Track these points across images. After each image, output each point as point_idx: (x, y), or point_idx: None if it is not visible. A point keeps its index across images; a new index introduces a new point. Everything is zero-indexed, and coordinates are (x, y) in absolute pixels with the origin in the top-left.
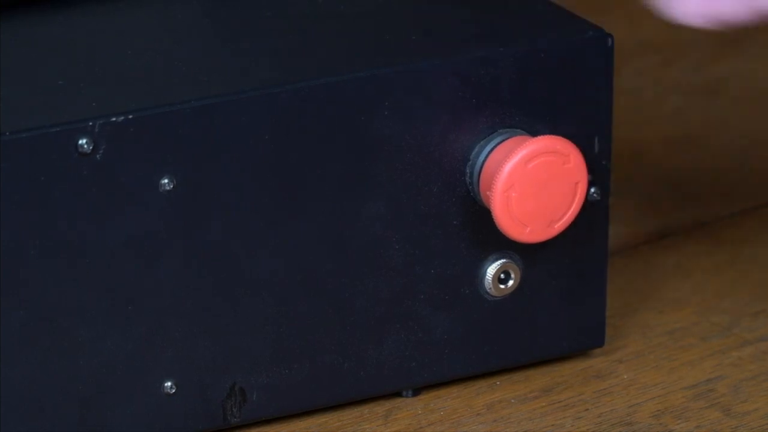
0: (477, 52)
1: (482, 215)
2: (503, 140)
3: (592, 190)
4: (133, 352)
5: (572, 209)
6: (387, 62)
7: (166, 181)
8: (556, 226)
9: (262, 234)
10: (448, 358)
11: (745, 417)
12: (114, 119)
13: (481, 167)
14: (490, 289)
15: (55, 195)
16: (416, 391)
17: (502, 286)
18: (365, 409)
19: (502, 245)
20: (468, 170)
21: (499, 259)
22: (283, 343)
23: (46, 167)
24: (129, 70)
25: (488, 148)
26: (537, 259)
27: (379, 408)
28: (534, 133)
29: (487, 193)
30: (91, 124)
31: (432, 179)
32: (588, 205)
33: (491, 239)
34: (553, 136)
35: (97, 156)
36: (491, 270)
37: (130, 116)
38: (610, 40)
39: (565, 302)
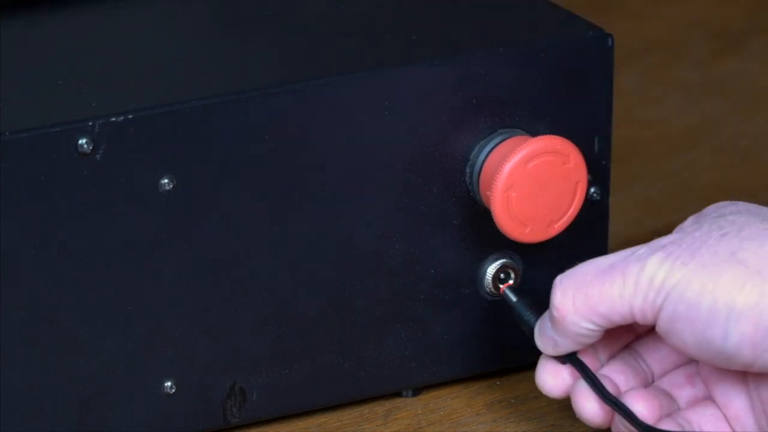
0: (477, 52)
1: (482, 215)
2: (503, 140)
3: (592, 190)
4: (133, 352)
5: (572, 209)
6: (387, 62)
7: (166, 181)
8: (556, 226)
9: (262, 234)
10: (448, 358)
11: None
12: (114, 119)
13: (481, 167)
14: (490, 289)
15: (55, 195)
16: (416, 391)
17: (502, 286)
18: (365, 409)
19: (502, 245)
20: (468, 170)
21: (499, 259)
22: (283, 343)
23: (46, 167)
24: (129, 70)
25: (488, 148)
26: (537, 259)
27: (379, 408)
28: (534, 133)
29: (487, 193)
30: (91, 124)
31: (432, 179)
32: (588, 205)
33: (491, 239)
34: (552, 136)
35: (97, 156)
36: (491, 270)
37: (130, 116)
38: (610, 40)
39: None
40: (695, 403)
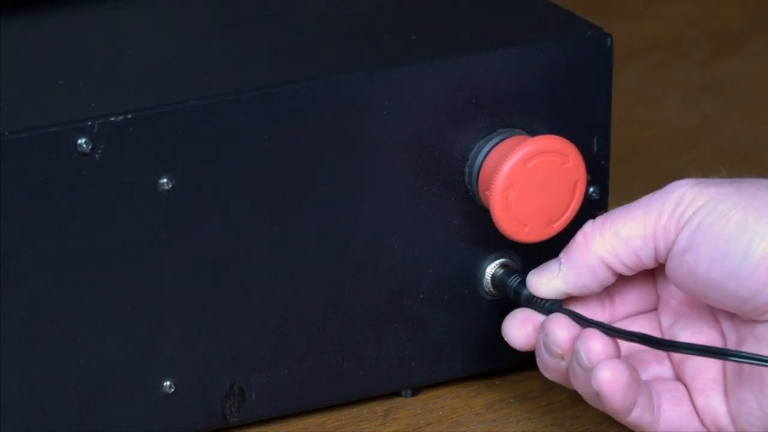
0: (477, 52)
1: (481, 215)
2: (502, 140)
3: (591, 189)
4: (132, 352)
5: (571, 209)
6: (387, 62)
7: (165, 180)
8: (555, 226)
9: (262, 234)
10: (448, 358)
11: None
12: (113, 119)
13: (480, 167)
14: (489, 288)
15: (54, 195)
16: (415, 391)
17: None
18: (364, 409)
19: (502, 245)
20: (467, 170)
21: (499, 258)
22: (282, 343)
23: (45, 167)
24: (129, 70)
25: (487, 148)
26: (536, 258)
27: (379, 408)
28: (533, 132)
29: (486, 192)
30: (90, 123)
31: (431, 179)
32: (587, 204)
33: (491, 239)
34: (552, 136)
35: (97, 156)
36: (490, 270)
37: (129, 116)
38: (609, 40)
39: None
40: (659, 379)
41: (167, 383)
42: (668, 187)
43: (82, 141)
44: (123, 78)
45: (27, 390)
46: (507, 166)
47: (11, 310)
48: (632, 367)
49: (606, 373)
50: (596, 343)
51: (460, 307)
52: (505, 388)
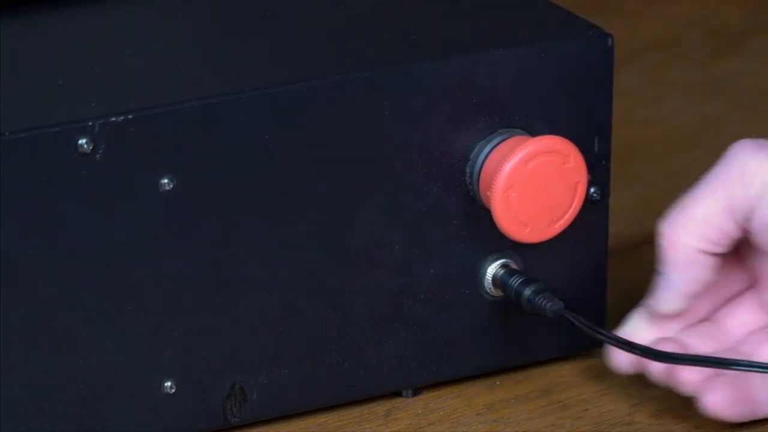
0: (477, 52)
1: (482, 215)
2: (503, 140)
3: (592, 189)
4: (133, 352)
5: (572, 209)
6: (387, 62)
7: (166, 181)
8: (555, 226)
9: (262, 234)
10: (448, 358)
11: None
12: (114, 119)
13: (481, 167)
14: (489, 289)
15: (55, 195)
16: (416, 391)
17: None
18: (365, 409)
19: (502, 245)
20: (468, 170)
21: (499, 259)
22: (283, 343)
23: (46, 167)
24: (129, 70)
25: (488, 148)
26: (537, 259)
27: (379, 408)
28: (534, 132)
29: (487, 193)
30: (90, 124)
31: (432, 179)
32: (588, 204)
33: (491, 239)
34: (552, 136)
35: (97, 156)
36: (491, 270)
37: (130, 116)
38: (610, 40)
39: (565, 302)
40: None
41: (168, 383)
42: (728, 157)
43: (82, 141)
44: (123, 78)
45: (27, 390)
46: (508, 167)
47: (11, 310)
48: (733, 383)
49: (714, 397)
50: (690, 374)
51: (460, 308)
52: (505, 388)
